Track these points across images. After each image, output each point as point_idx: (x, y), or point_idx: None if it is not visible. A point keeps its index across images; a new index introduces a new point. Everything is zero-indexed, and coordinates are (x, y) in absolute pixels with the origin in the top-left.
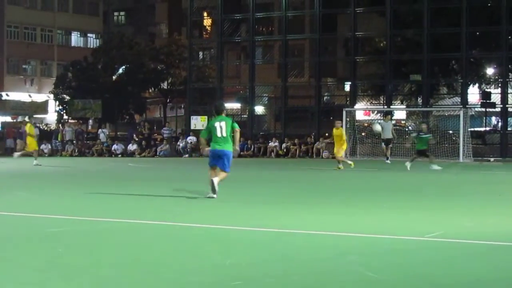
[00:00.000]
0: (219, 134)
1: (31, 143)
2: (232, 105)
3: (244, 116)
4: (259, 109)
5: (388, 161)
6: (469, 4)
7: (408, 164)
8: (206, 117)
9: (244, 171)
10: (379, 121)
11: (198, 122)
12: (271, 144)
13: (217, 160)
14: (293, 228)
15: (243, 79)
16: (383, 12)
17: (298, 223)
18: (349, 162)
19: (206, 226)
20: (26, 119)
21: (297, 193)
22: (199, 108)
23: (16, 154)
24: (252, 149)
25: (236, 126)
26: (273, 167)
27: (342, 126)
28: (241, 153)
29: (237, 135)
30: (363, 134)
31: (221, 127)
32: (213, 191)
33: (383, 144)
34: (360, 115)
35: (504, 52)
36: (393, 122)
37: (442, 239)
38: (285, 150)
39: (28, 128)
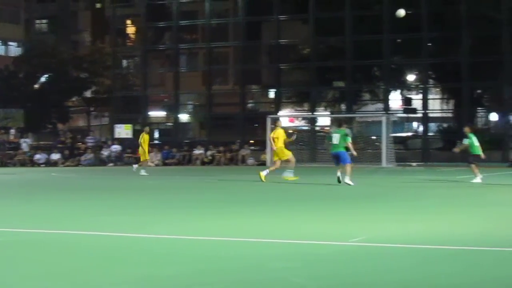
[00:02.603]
0: None
1: None
2: (157, 113)
3: (169, 124)
4: (184, 117)
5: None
6: (390, 12)
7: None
8: (131, 125)
9: (168, 179)
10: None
11: (122, 130)
12: (196, 151)
13: None
14: (214, 236)
15: (168, 87)
16: (306, 20)
17: (219, 231)
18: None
19: (129, 235)
20: None
21: (220, 201)
22: (123, 116)
23: None
24: (177, 157)
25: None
26: (198, 174)
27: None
28: (166, 161)
29: None
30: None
31: None
32: None
33: None
34: (284, 122)
35: (425, 58)
36: (351, 130)
37: (366, 243)
38: (210, 157)
39: None
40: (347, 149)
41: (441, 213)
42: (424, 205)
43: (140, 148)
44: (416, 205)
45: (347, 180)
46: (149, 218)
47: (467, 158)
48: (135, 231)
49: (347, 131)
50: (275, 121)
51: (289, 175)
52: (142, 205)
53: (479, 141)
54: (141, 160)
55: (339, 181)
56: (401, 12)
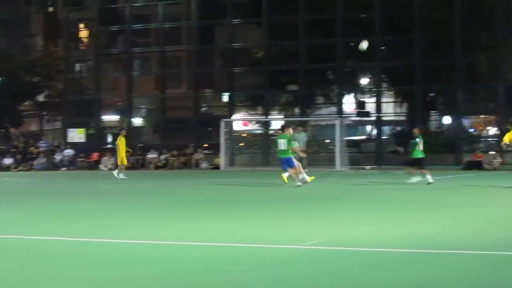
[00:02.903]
0: None
1: None
2: (110, 117)
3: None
4: (137, 121)
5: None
6: (343, 16)
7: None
8: (84, 129)
9: (122, 183)
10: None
11: (75, 134)
12: (150, 155)
13: None
14: (173, 240)
15: (121, 91)
16: (260, 24)
17: (178, 235)
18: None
19: (85, 240)
20: None
21: (174, 205)
22: (76, 120)
23: None
24: (130, 161)
25: None
26: (152, 178)
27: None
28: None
29: None
30: (241, 144)
31: None
32: None
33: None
34: (238, 126)
35: (378, 62)
36: (307, 133)
37: (320, 247)
38: (164, 161)
39: None
40: (292, 153)
41: (395, 215)
42: (378, 208)
43: (118, 151)
44: (370, 208)
45: (298, 182)
46: (104, 222)
47: (412, 162)
48: (91, 235)
49: (303, 135)
50: (283, 128)
51: (285, 176)
52: (97, 209)
53: (431, 144)
54: (119, 163)
55: (304, 183)
56: (364, 45)
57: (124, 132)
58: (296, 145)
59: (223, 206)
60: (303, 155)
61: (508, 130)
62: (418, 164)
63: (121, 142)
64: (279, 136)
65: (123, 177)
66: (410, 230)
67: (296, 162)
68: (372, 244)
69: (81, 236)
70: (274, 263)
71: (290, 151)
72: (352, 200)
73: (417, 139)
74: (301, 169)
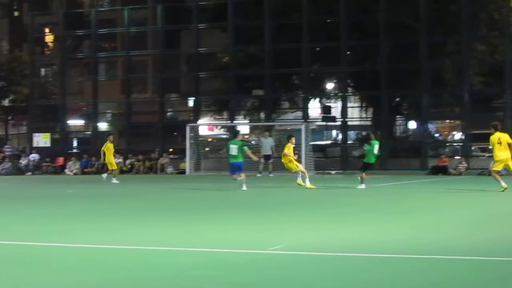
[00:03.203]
0: None
1: None
2: (76, 122)
3: (88, 132)
4: (103, 126)
5: (271, 175)
6: (309, 20)
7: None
8: (49, 134)
9: (87, 188)
10: (257, 137)
11: (40, 139)
12: (115, 160)
13: None
14: (136, 245)
15: (87, 96)
16: (225, 28)
17: (142, 240)
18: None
19: (51, 244)
20: None
21: (139, 209)
22: (41, 125)
23: None
24: (96, 165)
25: None
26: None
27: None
28: (85, 170)
29: None
30: (207, 149)
31: None
32: None
33: (262, 159)
34: (204, 131)
35: (344, 67)
36: (273, 138)
37: (285, 251)
38: (129, 166)
39: None
40: (244, 158)
41: (360, 220)
42: (343, 213)
43: (105, 157)
44: (335, 213)
45: (244, 187)
46: (68, 227)
47: (363, 166)
48: (54, 240)
49: (270, 139)
50: (290, 138)
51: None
52: (61, 214)
53: (396, 149)
54: (109, 168)
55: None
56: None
57: (111, 137)
58: (247, 150)
59: (188, 211)
60: (255, 159)
61: (492, 134)
62: (367, 169)
63: (108, 148)
64: (230, 141)
65: (116, 181)
66: (374, 235)
67: (301, 167)
68: (337, 249)
69: (44, 241)
70: (239, 268)
71: (241, 156)
72: (317, 205)
73: (374, 145)
74: (306, 173)
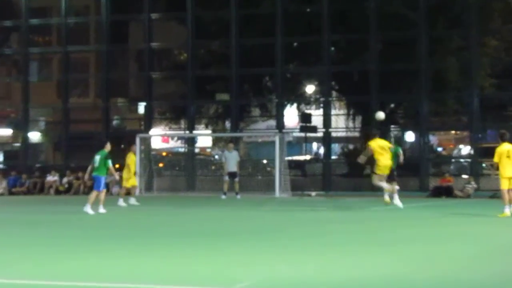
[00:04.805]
0: None
1: None
2: (1, 132)
3: (17, 144)
4: (35, 136)
5: (239, 196)
6: (284, 10)
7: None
8: None
9: (15, 212)
10: (220, 151)
11: None
12: (50, 178)
13: None
14: (72, 279)
15: (15, 100)
16: (183, 20)
17: (79, 274)
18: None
19: None
20: None
21: (77, 237)
22: None
23: None
24: (26, 184)
25: None
26: (52, 205)
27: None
28: (13, 189)
29: None
30: (160, 165)
31: None
32: None
33: (226, 177)
34: (157, 143)
35: (326, 66)
36: (238, 152)
37: None
38: (67, 185)
39: None
40: (106, 172)
41: (344, 252)
42: (322, 243)
43: (126, 170)
44: (312, 243)
45: (87, 208)
46: None
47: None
48: None
49: (234, 153)
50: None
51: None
52: None
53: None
54: (125, 186)
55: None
56: (381, 115)
57: (134, 147)
58: (110, 164)
59: (138, 239)
60: (117, 177)
61: (499, 145)
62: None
63: (133, 160)
64: (97, 152)
65: (135, 202)
66: (362, 269)
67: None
68: (315, 286)
69: None
70: None
71: (103, 169)
72: (292, 233)
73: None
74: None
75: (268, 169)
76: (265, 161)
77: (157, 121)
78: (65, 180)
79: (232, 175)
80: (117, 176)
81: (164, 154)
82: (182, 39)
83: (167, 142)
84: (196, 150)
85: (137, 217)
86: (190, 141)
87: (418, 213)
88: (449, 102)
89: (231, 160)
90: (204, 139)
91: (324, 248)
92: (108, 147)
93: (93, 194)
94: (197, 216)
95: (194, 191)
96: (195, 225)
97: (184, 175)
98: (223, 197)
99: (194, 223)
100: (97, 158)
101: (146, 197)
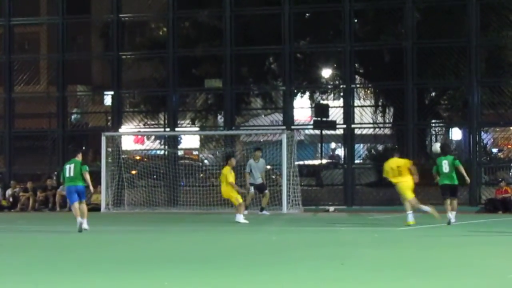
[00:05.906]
0: None
1: None
2: None
3: None
4: None
5: (266, 212)
6: None
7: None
8: None
9: None
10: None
11: None
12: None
13: None
14: None
15: None
16: None
17: None
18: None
19: None
20: None
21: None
22: None
23: None
24: None
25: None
26: None
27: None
28: None
29: None
30: (133, 172)
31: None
32: None
33: (252, 189)
34: (129, 143)
35: (348, 43)
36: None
37: None
38: (11, 200)
39: None
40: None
41: (373, 283)
42: (347, 277)
43: (230, 187)
44: (333, 277)
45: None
46: None
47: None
48: None
49: (261, 162)
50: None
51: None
52: None
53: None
54: (237, 202)
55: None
56: (438, 148)
57: (233, 161)
58: (87, 170)
59: (103, 266)
60: (90, 189)
61: None
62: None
63: (231, 174)
64: (72, 160)
65: (244, 221)
66: None
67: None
68: None
69: None
70: None
71: (81, 179)
72: (305, 259)
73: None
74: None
75: (273, 177)
76: (268, 167)
77: (128, 115)
78: (9, 192)
79: (259, 187)
80: (91, 187)
81: (138, 158)
82: (160, 9)
83: (142, 142)
84: (180, 153)
85: (103, 238)
86: (172, 141)
87: (466, 233)
88: (507, 89)
89: (258, 170)
90: (189, 138)
91: (345, 279)
92: (80, 156)
93: (84, 206)
94: (180, 240)
95: (176, 206)
96: (177, 252)
97: (163, 185)
98: (266, 213)
99: (175, 249)
100: (72, 166)
101: (113, 214)
